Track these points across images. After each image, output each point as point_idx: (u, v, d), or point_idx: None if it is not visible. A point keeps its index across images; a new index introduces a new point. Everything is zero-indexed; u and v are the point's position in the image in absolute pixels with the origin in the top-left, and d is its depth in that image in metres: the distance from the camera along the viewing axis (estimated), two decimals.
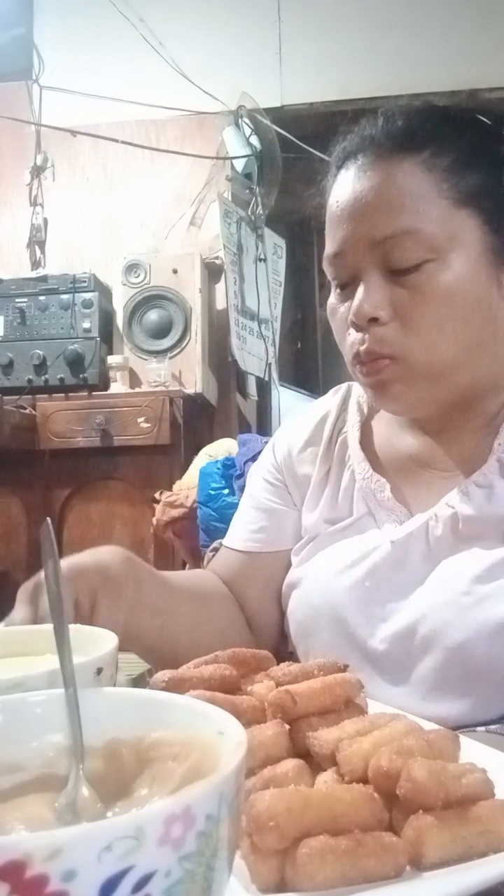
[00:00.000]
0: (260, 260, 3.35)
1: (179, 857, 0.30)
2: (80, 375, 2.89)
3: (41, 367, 2.90)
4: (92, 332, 2.92)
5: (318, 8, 3.35)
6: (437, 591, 0.81)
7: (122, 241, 3.23)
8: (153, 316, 3.01)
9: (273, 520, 1.00)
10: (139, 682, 1.02)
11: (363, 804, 0.46)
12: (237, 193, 3.34)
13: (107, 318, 3.01)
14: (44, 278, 3.01)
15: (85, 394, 2.88)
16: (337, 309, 0.87)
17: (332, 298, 0.88)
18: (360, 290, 0.82)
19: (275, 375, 3.39)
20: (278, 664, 0.65)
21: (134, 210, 3.35)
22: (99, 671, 0.54)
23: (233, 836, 0.34)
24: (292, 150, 3.19)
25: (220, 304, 3.25)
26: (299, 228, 3.95)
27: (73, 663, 0.44)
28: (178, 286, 3.01)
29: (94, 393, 2.88)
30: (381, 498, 0.90)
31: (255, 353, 3.31)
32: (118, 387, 2.91)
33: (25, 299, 2.96)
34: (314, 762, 0.53)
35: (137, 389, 2.92)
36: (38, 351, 2.89)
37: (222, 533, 1.12)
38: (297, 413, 1.12)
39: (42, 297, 2.96)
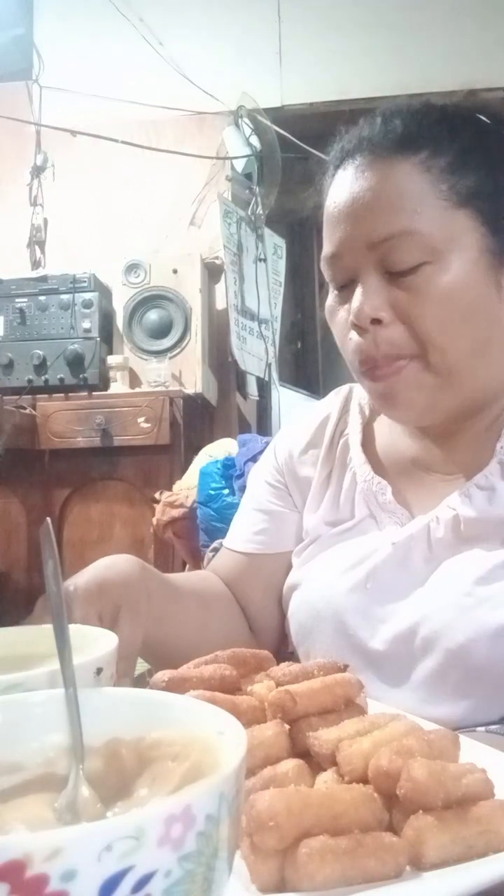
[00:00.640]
0: (260, 260, 3.34)
1: (179, 857, 0.30)
2: (80, 375, 2.89)
3: (41, 367, 2.89)
4: (92, 332, 2.92)
5: (318, 8, 3.35)
6: (438, 592, 0.81)
7: (122, 241, 3.23)
8: (153, 316, 3.01)
9: (274, 522, 1.00)
10: (139, 682, 1.02)
11: (363, 804, 0.46)
12: (237, 193, 3.34)
13: (107, 318, 3.01)
14: (44, 278, 3.01)
15: (85, 394, 2.87)
16: (336, 311, 0.86)
17: (331, 300, 0.87)
18: (359, 292, 0.81)
19: (275, 375, 3.39)
20: (278, 664, 0.65)
21: (134, 210, 3.34)
22: (99, 671, 0.54)
23: (233, 836, 0.34)
24: (292, 150, 3.19)
25: (220, 304, 3.25)
26: (299, 228, 3.95)
27: (73, 663, 0.44)
28: (178, 286, 3.00)
29: (94, 393, 2.87)
30: (383, 500, 0.90)
31: (255, 353, 3.31)
32: (118, 387, 2.90)
33: (25, 299, 2.96)
34: (314, 762, 0.53)
35: (137, 389, 2.92)
36: (38, 351, 2.89)
37: (222, 533, 1.12)
38: (299, 414, 1.12)
39: (42, 298, 2.95)
